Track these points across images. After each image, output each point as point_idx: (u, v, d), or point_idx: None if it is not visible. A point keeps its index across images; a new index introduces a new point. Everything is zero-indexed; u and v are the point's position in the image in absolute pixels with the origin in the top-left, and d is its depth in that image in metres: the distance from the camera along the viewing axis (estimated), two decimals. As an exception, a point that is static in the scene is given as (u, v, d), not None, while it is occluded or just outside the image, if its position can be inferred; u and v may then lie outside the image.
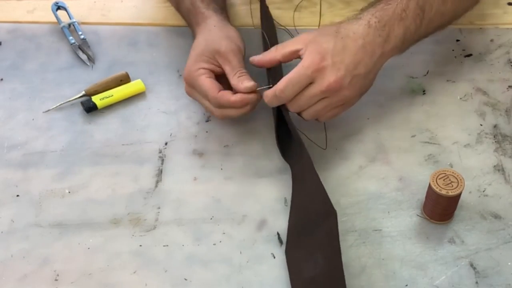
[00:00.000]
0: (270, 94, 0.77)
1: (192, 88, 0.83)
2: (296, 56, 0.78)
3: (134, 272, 0.72)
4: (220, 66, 0.82)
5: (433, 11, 0.82)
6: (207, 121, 0.87)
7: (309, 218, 0.73)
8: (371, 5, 0.82)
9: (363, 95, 0.81)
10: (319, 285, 0.68)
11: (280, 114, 0.81)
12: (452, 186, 0.72)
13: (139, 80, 0.92)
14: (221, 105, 0.80)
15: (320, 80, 0.75)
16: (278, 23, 0.98)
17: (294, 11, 1.02)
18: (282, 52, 0.79)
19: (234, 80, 0.80)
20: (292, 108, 0.78)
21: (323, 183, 0.79)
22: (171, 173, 0.81)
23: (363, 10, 0.82)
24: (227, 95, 0.79)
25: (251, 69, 0.82)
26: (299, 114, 0.80)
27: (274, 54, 0.80)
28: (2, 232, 0.76)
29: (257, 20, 0.99)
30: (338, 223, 0.75)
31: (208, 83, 0.80)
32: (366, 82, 0.79)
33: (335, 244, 0.68)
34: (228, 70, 0.81)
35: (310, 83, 0.76)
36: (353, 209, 0.77)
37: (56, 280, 0.72)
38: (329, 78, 0.75)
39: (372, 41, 0.78)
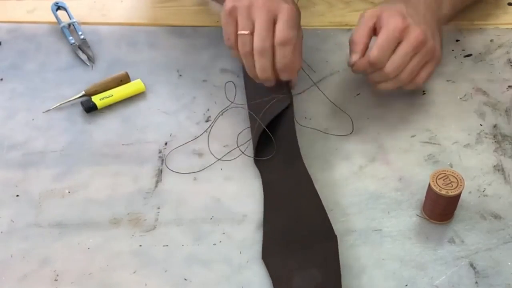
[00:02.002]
0: (363, 63, 0.81)
1: (249, 17, 0.78)
2: (373, 32, 0.82)
3: (134, 272, 0.72)
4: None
5: None
6: (207, 121, 0.87)
7: (302, 234, 0.73)
8: None
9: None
10: None
11: (275, 121, 0.80)
12: (452, 186, 0.72)
13: (139, 80, 0.92)
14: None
15: (407, 37, 0.79)
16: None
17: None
18: (365, 34, 0.82)
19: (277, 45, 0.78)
20: (390, 69, 0.79)
21: (322, 183, 0.79)
22: (171, 173, 0.81)
23: None
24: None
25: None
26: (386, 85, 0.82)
27: (361, 41, 0.82)
28: (2, 232, 0.76)
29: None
30: (338, 223, 0.75)
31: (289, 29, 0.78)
32: (438, 37, 0.83)
33: (335, 267, 0.69)
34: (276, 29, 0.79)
35: (398, 43, 0.79)
36: (353, 209, 0.77)
37: (56, 280, 0.72)
38: (415, 32, 0.79)
39: (430, 5, 0.84)
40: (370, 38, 0.82)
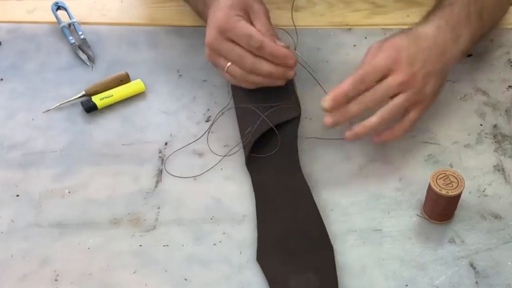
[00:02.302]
0: (347, 82, 0.75)
1: (223, 39, 0.78)
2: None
3: (134, 272, 0.72)
4: (250, 23, 0.80)
5: (488, 15, 0.84)
6: (207, 121, 0.87)
7: (298, 238, 0.73)
8: (435, 9, 0.83)
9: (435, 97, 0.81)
10: None
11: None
12: (452, 186, 0.72)
13: (139, 80, 0.92)
14: (263, 53, 0.77)
15: (395, 73, 0.76)
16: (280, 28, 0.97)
17: (292, 9, 1.02)
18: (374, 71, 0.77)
19: (268, 38, 0.78)
20: (369, 101, 0.76)
21: (322, 183, 0.79)
22: (171, 173, 0.81)
23: (428, 14, 0.83)
24: (274, 45, 0.78)
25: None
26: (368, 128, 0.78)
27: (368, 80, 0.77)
28: (2, 232, 0.76)
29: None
30: (338, 223, 0.75)
31: (251, 27, 0.78)
32: (438, 80, 0.79)
33: (332, 274, 0.70)
34: (259, 27, 0.79)
35: (385, 77, 0.76)
36: (353, 209, 0.77)
37: (56, 280, 0.72)
38: (404, 70, 0.76)
39: (443, 42, 0.79)
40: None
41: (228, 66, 0.80)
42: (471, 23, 0.82)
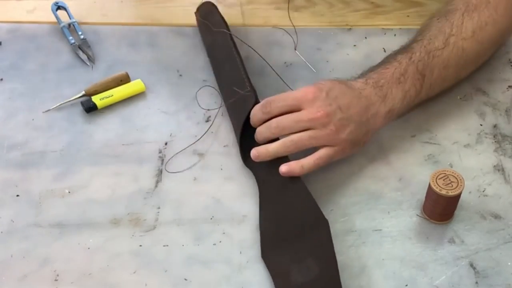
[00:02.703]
0: (258, 106, 0.78)
1: None
2: None
3: (134, 272, 0.72)
4: None
5: (433, 77, 0.82)
6: (207, 121, 0.87)
7: (294, 225, 0.73)
8: (369, 70, 0.83)
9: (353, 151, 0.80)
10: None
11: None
12: (452, 186, 0.72)
13: (139, 80, 0.92)
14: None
15: (309, 108, 0.75)
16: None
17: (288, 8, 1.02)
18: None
19: None
20: (274, 127, 0.76)
21: (322, 183, 0.79)
22: (171, 173, 0.81)
23: (361, 74, 0.83)
24: None
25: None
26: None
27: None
28: (2, 232, 0.76)
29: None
30: (338, 223, 0.75)
31: None
32: (358, 133, 0.78)
33: (330, 252, 0.69)
34: None
35: (299, 110, 0.76)
36: (353, 209, 0.77)
37: (56, 280, 0.72)
38: (318, 108, 0.75)
39: (369, 97, 0.79)
40: None
41: None
42: (406, 83, 0.80)
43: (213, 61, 0.93)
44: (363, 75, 0.82)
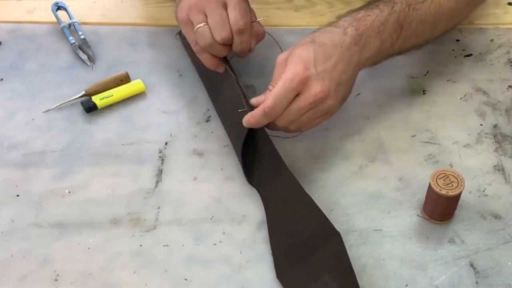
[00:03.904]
0: (258, 114, 0.75)
1: (201, 11, 0.80)
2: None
3: (134, 272, 0.72)
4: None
5: (410, 30, 0.82)
6: (207, 121, 0.87)
7: (305, 241, 0.72)
8: (350, 13, 0.81)
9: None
10: None
11: (249, 135, 0.78)
12: (452, 186, 0.72)
13: (139, 80, 0.92)
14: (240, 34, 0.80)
15: (306, 92, 0.74)
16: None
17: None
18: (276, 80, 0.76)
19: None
20: (281, 123, 0.76)
21: (322, 183, 0.79)
22: (171, 173, 0.81)
23: (340, 17, 0.81)
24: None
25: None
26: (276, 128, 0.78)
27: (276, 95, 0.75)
28: (2, 232, 0.76)
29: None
30: (338, 223, 0.75)
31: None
32: (347, 89, 0.78)
33: (346, 265, 0.68)
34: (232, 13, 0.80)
35: (297, 95, 0.75)
36: (353, 209, 0.77)
37: (56, 280, 0.72)
38: (315, 89, 0.74)
39: (349, 49, 0.77)
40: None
41: (201, 26, 0.80)
42: (385, 33, 0.80)
43: (206, 81, 0.90)
44: (342, 19, 0.80)
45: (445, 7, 0.84)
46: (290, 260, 0.72)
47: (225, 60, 0.86)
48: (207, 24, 0.80)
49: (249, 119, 0.76)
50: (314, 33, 0.79)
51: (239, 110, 0.79)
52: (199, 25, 0.80)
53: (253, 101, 0.79)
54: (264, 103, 0.75)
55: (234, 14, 0.79)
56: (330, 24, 0.80)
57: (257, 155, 0.79)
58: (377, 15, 0.80)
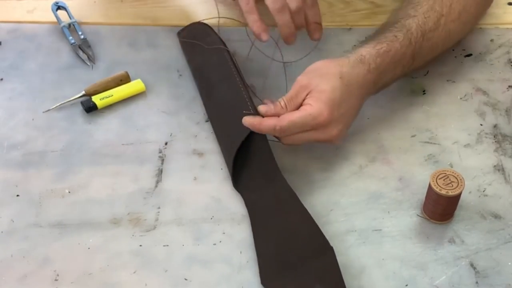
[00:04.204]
0: (267, 126, 0.75)
1: None
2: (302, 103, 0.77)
3: (134, 272, 0.72)
4: None
5: (421, 59, 0.84)
6: (207, 121, 0.87)
7: (296, 250, 0.71)
8: (374, 41, 0.82)
9: None
10: None
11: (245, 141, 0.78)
12: (452, 186, 0.72)
13: (139, 80, 0.91)
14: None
15: (321, 131, 0.76)
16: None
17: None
18: (294, 106, 0.77)
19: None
20: (286, 143, 0.78)
21: (322, 183, 0.79)
22: (171, 173, 0.81)
23: (366, 45, 0.81)
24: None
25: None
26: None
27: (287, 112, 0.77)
28: (2, 232, 0.76)
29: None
30: (338, 223, 0.75)
31: None
32: (352, 121, 0.80)
33: (338, 278, 0.68)
34: None
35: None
36: (353, 209, 0.77)
37: (56, 280, 0.72)
38: (331, 132, 0.77)
39: (368, 87, 0.80)
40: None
41: None
42: (399, 67, 0.82)
43: (202, 81, 0.90)
44: (365, 49, 0.80)
45: (453, 32, 0.86)
46: (277, 267, 0.71)
47: (231, 60, 0.87)
48: None
49: (255, 124, 0.76)
50: (341, 66, 0.78)
51: (244, 112, 0.78)
52: None
53: (262, 109, 0.78)
54: (279, 121, 0.75)
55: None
56: (355, 51, 0.81)
57: (248, 159, 0.79)
58: (397, 50, 0.81)
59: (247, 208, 0.77)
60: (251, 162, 0.79)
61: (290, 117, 0.75)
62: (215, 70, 0.88)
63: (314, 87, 0.76)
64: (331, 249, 0.71)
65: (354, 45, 0.86)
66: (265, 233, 0.74)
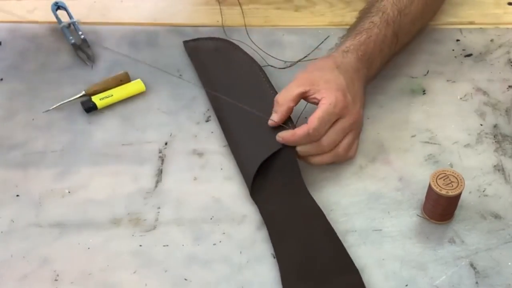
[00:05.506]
0: (301, 134, 0.76)
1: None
2: (303, 97, 0.79)
3: (134, 272, 0.72)
4: None
5: (404, 34, 0.87)
6: (207, 121, 0.87)
7: (320, 265, 0.71)
8: (352, 32, 0.85)
9: None
10: None
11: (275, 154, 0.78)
12: (452, 186, 0.72)
13: (139, 80, 0.91)
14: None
15: (347, 115, 0.78)
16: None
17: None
18: (291, 99, 0.79)
19: None
20: (326, 143, 0.78)
21: (322, 183, 0.79)
22: (171, 173, 0.81)
23: (347, 38, 0.85)
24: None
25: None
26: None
27: (285, 104, 0.79)
28: (2, 232, 0.76)
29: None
30: (338, 223, 0.75)
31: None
32: (363, 103, 0.84)
33: None
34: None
35: (337, 119, 0.78)
36: (353, 209, 0.77)
37: (56, 280, 0.72)
38: (353, 112, 0.79)
39: (363, 73, 0.83)
40: (296, 103, 0.79)
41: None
42: (385, 49, 0.85)
43: (225, 90, 0.88)
44: (348, 40, 0.84)
45: (431, 2, 0.90)
46: (301, 278, 0.70)
47: (263, 75, 0.89)
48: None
49: (289, 137, 0.77)
50: (334, 59, 0.82)
51: (283, 125, 0.79)
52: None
53: (271, 121, 0.79)
54: (309, 125, 0.76)
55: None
56: (342, 46, 0.84)
57: (273, 172, 0.78)
58: (377, 34, 0.84)
59: (264, 218, 0.76)
60: (276, 176, 0.78)
61: (316, 115, 0.76)
62: (245, 81, 0.89)
63: (319, 79, 0.79)
64: (356, 271, 0.70)
65: (336, 43, 0.88)
66: (287, 244, 0.73)
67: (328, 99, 0.77)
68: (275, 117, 0.79)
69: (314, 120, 0.76)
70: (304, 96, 0.79)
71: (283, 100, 0.79)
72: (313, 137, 0.77)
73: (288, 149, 0.78)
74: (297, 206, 0.77)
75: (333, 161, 0.80)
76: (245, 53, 0.93)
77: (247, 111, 0.81)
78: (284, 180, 0.78)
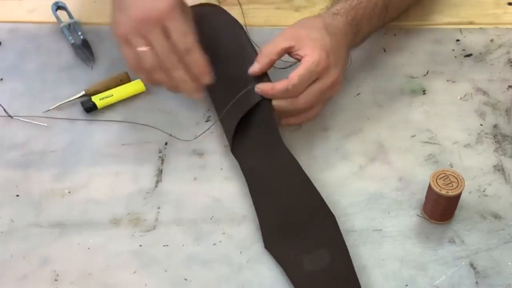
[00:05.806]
0: (280, 88, 0.77)
1: (157, 25, 0.77)
2: (287, 52, 0.80)
3: (134, 272, 0.72)
4: None
5: (393, 8, 0.90)
6: (207, 121, 0.87)
7: (298, 216, 0.74)
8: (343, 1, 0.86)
9: None
10: (329, 276, 0.69)
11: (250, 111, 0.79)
12: (452, 186, 0.72)
13: (139, 80, 0.91)
14: (189, 57, 0.78)
15: (326, 77, 0.79)
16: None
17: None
18: (276, 52, 0.80)
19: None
20: (303, 101, 0.79)
21: (322, 183, 0.79)
22: (171, 173, 0.81)
23: (338, 1, 0.86)
24: (201, 55, 0.79)
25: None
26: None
27: (268, 56, 0.80)
28: (2, 232, 0.76)
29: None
30: (338, 223, 0.75)
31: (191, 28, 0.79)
32: (345, 66, 0.84)
33: (340, 243, 0.71)
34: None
35: (316, 79, 0.78)
36: (353, 209, 0.77)
37: (56, 280, 0.72)
38: (333, 74, 0.79)
39: (350, 38, 0.84)
40: (279, 57, 0.81)
41: (144, 50, 0.78)
42: (374, 18, 0.86)
43: (210, 55, 0.87)
44: (338, 4, 0.85)
45: None
46: (280, 231, 0.73)
47: (245, 35, 0.89)
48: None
49: (268, 90, 0.78)
50: (323, 19, 0.82)
51: (264, 78, 0.80)
52: (141, 49, 0.78)
53: (253, 68, 0.80)
54: (289, 81, 0.77)
55: (176, 37, 0.77)
56: (332, 9, 0.85)
57: (251, 128, 0.80)
58: (368, 1, 0.86)
59: (244, 174, 0.78)
60: (253, 131, 0.80)
61: (297, 72, 0.77)
62: (227, 43, 0.89)
63: (305, 37, 0.80)
64: (332, 216, 0.73)
65: (327, 5, 0.88)
66: (266, 198, 0.76)
67: (311, 57, 0.77)
68: (256, 67, 0.80)
69: (294, 77, 0.77)
70: (288, 51, 0.80)
71: (267, 51, 0.80)
72: (291, 93, 0.78)
73: (265, 102, 0.79)
74: (274, 160, 0.78)
75: (302, 121, 0.83)
76: (227, 14, 0.94)
77: (227, 70, 0.83)
78: (262, 135, 0.80)
